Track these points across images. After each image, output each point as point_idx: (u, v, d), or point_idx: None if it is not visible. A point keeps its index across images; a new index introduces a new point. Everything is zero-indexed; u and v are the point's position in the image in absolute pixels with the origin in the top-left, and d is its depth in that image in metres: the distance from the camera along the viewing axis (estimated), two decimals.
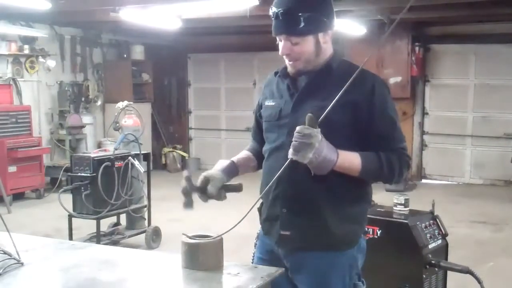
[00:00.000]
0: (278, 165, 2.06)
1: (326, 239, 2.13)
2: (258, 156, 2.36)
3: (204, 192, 2.16)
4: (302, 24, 2.01)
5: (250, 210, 2.07)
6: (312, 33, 2.06)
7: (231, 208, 2.25)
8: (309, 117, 1.92)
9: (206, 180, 2.16)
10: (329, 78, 2.12)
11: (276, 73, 2.29)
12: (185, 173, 2.19)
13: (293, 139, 1.93)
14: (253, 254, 2.42)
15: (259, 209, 2.33)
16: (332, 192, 2.10)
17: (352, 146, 2.06)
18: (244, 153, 2.41)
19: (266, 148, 2.27)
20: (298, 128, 1.93)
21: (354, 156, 2.04)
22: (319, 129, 1.92)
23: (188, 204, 2.16)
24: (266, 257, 2.31)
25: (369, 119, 2.07)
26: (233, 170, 2.28)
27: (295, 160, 1.95)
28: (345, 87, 1.91)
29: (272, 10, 2.06)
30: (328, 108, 1.93)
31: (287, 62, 2.16)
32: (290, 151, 1.95)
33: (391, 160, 2.07)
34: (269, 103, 2.26)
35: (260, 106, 2.35)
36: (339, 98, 1.93)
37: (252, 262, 2.39)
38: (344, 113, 2.04)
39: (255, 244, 2.42)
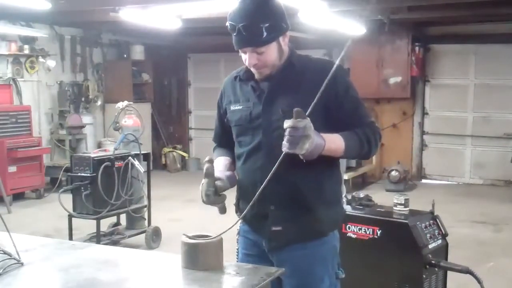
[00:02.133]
0: (259, 165, 2.17)
1: (315, 226, 2.23)
2: (234, 160, 2.39)
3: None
4: (265, 34, 2.08)
5: (247, 209, 2.09)
6: (274, 39, 2.14)
7: (229, 209, 2.24)
8: (297, 111, 1.95)
9: (216, 179, 2.17)
10: (292, 74, 2.20)
11: (236, 77, 2.33)
12: (207, 157, 2.19)
13: (287, 134, 1.95)
14: (237, 250, 2.45)
15: (236, 205, 2.37)
16: (312, 178, 2.18)
17: (328, 132, 2.11)
18: (227, 160, 2.38)
19: (241, 151, 2.30)
20: (290, 122, 1.94)
21: (337, 137, 2.12)
22: (309, 119, 1.96)
23: (211, 184, 2.13)
24: (253, 252, 2.35)
25: (336, 103, 2.17)
26: (234, 182, 2.29)
27: (291, 153, 1.97)
28: (323, 85, 1.96)
29: (231, 24, 2.11)
30: (314, 101, 1.96)
31: (253, 70, 2.21)
32: (285, 145, 1.96)
33: (368, 134, 2.19)
34: (235, 107, 2.30)
35: (224, 111, 2.38)
36: (307, 89, 2.06)
37: (237, 259, 2.43)
38: (316, 105, 2.08)
39: (237, 240, 2.45)
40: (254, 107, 2.24)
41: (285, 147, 1.97)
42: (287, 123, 1.95)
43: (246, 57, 2.17)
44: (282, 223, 2.22)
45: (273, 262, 2.28)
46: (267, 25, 2.07)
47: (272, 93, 2.21)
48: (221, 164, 2.34)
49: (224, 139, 2.44)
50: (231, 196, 2.34)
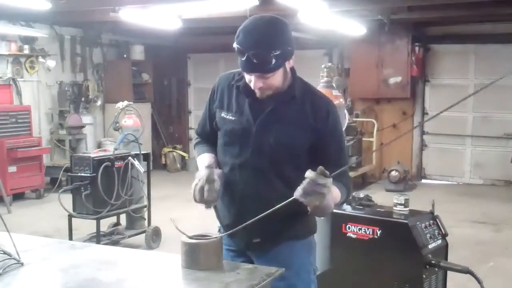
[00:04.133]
0: (243, 181, 2.21)
1: (292, 233, 2.28)
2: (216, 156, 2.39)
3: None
4: (274, 61, 2.06)
5: (257, 218, 2.06)
6: (282, 65, 2.12)
7: None
8: (321, 169, 1.95)
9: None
10: (291, 105, 2.21)
11: (232, 85, 2.29)
12: (207, 162, 2.20)
13: (305, 184, 1.95)
14: None
15: (215, 207, 2.36)
16: (288, 193, 2.10)
17: (309, 165, 2.09)
18: (213, 158, 2.35)
19: (226, 160, 2.29)
20: (312, 175, 1.94)
21: (338, 194, 2.17)
22: (331, 179, 1.97)
23: (213, 189, 2.14)
24: (233, 247, 2.37)
25: (324, 141, 2.21)
26: (222, 180, 2.27)
27: (299, 201, 1.98)
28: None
29: (240, 49, 2.07)
30: (342, 168, 2.08)
31: (257, 91, 2.18)
32: (299, 191, 1.96)
33: (349, 186, 2.29)
34: (227, 116, 2.27)
35: (213, 113, 2.34)
36: (302, 123, 2.17)
37: None
38: (307, 138, 2.18)
39: None
40: (247, 124, 2.22)
41: (297, 193, 1.97)
42: (310, 174, 1.95)
43: (250, 79, 2.14)
44: (260, 236, 2.25)
45: (252, 258, 2.33)
46: (277, 53, 2.05)
47: (268, 118, 2.20)
48: (207, 160, 2.33)
49: (209, 135, 2.41)
50: None
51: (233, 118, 2.25)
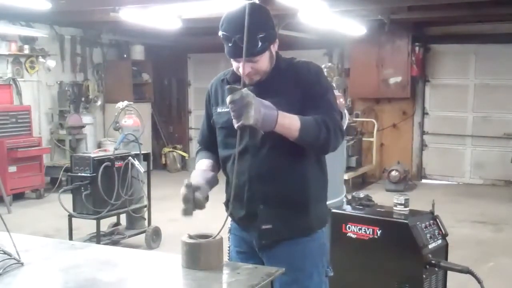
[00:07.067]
0: (247, 167, 2.20)
1: (304, 223, 2.27)
2: (218, 164, 2.41)
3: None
4: (260, 44, 2.12)
5: (231, 204, 2.13)
6: (268, 48, 2.18)
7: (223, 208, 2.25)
8: (228, 88, 1.98)
9: (194, 189, 2.17)
10: (277, 79, 2.24)
11: (222, 80, 2.35)
12: (186, 181, 2.19)
13: (231, 110, 1.98)
14: (229, 248, 2.47)
15: (226, 204, 2.38)
16: (299, 177, 2.20)
17: None
18: (210, 162, 2.40)
19: (228, 153, 2.31)
20: (227, 98, 1.97)
21: (292, 115, 2.10)
22: (245, 88, 1.98)
23: (188, 211, 2.15)
24: (244, 249, 2.39)
25: (310, 92, 2.20)
26: (214, 183, 2.29)
27: (242, 126, 1.98)
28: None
29: (225, 35, 2.13)
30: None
31: (245, 77, 2.20)
32: (234, 121, 1.99)
33: (326, 120, 2.12)
34: (222, 109, 2.31)
35: (211, 115, 2.40)
36: (288, 90, 2.17)
37: (229, 257, 2.44)
38: (294, 103, 2.16)
39: (229, 238, 2.47)
40: None
41: (234, 123, 1.99)
42: (227, 100, 1.98)
43: (238, 65, 2.18)
44: (272, 222, 2.25)
45: (263, 260, 2.32)
46: (262, 35, 2.11)
47: (258, 95, 2.21)
48: (204, 165, 2.37)
49: (211, 142, 2.44)
50: (222, 196, 2.39)
51: (228, 109, 2.26)
